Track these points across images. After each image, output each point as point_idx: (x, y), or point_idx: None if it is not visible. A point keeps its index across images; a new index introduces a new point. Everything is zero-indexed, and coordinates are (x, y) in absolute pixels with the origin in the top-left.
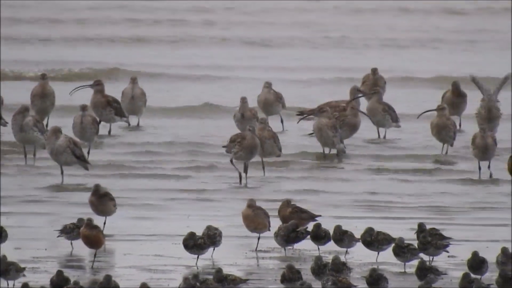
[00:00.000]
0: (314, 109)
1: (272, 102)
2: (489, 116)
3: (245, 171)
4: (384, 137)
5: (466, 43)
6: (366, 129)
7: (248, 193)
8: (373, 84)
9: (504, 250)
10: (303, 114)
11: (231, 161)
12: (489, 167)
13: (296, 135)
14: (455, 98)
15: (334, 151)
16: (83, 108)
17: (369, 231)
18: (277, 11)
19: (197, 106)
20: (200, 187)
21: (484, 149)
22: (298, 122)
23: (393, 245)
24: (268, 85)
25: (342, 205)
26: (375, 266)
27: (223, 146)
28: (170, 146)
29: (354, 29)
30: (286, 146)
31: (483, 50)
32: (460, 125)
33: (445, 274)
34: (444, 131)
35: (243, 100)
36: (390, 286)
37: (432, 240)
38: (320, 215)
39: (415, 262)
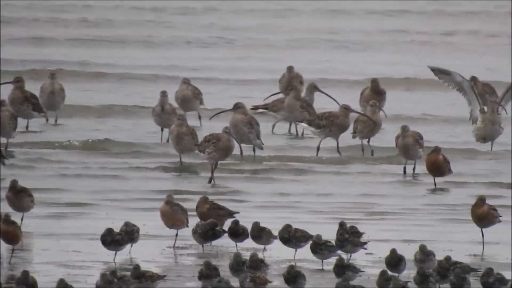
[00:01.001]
0: (267, 103)
1: (190, 98)
2: (491, 132)
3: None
4: (302, 134)
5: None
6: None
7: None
8: (288, 81)
9: (422, 248)
10: (257, 108)
11: (211, 164)
12: (414, 168)
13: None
14: (374, 95)
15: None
16: (0, 103)
17: (287, 228)
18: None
19: (120, 106)
20: (123, 187)
21: (405, 149)
22: (210, 119)
23: (310, 242)
24: (186, 81)
25: (265, 204)
26: (293, 263)
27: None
28: (88, 144)
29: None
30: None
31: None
32: None
33: (363, 271)
34: (377, 128)
35: (163, 94)
36: (308, 283)
37: (350, 237)
38: (238, 212)
39: (333, 259)
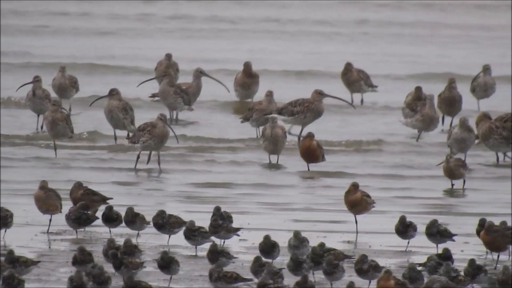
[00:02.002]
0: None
1: (67, 86)
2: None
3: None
4: (176, 119)
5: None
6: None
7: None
8: (166, 68)
9: (296, 234)
10: (154, 96)
11: (138, 154)
12: (277, 158)
13: (88, 119)
14: (246, 78)
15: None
16: None
17: (161, 214)
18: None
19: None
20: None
21: (274, 141)
22: (90, 105)
23: (184, 228)
24: (62, 70)
25: (142, 192)
26: (167, 249)
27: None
28: None
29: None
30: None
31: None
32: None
33: (237, 257)
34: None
35: (36, 79)
36: (182, 269)
37: (223, 223)
38: (111, 198)
39: (207, 245)
